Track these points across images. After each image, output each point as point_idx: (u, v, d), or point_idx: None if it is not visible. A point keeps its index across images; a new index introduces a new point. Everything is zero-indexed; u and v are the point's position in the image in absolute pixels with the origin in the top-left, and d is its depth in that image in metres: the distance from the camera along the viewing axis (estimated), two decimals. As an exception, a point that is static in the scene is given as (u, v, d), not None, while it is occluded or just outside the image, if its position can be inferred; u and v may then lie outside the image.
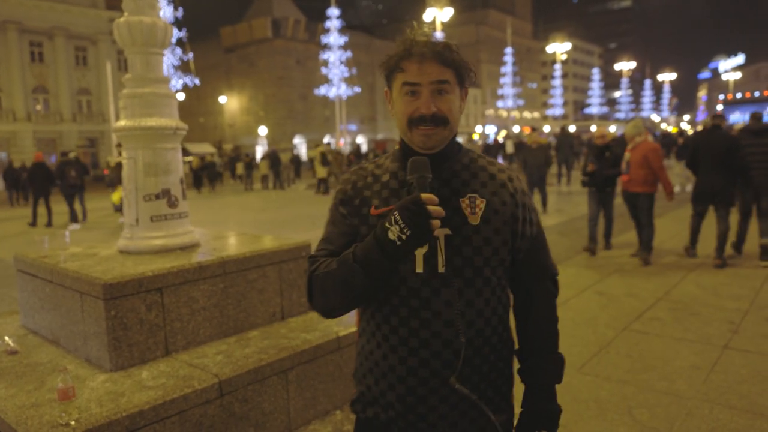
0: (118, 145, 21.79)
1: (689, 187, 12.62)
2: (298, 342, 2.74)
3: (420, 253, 1.16)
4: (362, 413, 1.29)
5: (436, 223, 1.05)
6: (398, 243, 1.06)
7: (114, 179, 14.17)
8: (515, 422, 1.33)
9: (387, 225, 1.07)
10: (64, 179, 11.87)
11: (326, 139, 41.16)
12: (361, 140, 55.36)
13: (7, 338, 2.84)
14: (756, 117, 6.32)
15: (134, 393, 2.19)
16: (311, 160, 20.18)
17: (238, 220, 12.58)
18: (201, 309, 2.72)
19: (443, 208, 1.09)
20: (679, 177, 15.43)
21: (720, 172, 5.89)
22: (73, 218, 12.00)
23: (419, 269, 1.16)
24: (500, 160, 23.96)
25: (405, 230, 1.04)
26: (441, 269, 1.15)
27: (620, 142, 12.00)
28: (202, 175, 21.92)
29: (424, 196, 1.06)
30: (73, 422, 1.95)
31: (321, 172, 17.27)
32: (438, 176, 1.19)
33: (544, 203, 10.74)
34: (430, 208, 1.05)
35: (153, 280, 2.52)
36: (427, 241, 1.07)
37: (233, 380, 2.38)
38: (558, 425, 1.29)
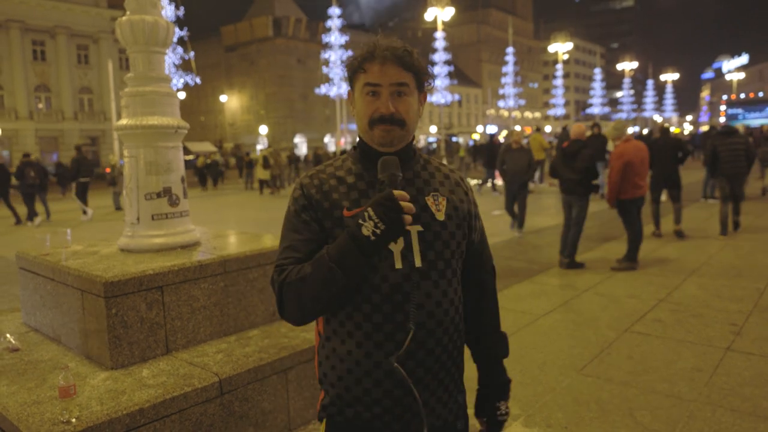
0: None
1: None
2: (298, 341, 2.74)
3: (397, 249, 1.21)
4: (339, 416, 1.28)
5: (408, 218, 1.12)
6: (373, 238, 1.12)
7: (115, 177, 14.33)
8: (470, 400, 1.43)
9: (360, 222, 1.13)
10: (23, 179, 12.30)
11: (326, 139, 41.16)
12: (362, 140, 55.24)
13: (8, 335, 2.85)
14: (724, 123, 9.24)
15: (135, 391, 2.19)
16: (255, 162, 21.24)
17: (239, 218, 12.59)
18: (201, 308, 2.72)
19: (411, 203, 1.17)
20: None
21: (669, 165, 7.74)
22: (30, 217, 12.33)
23: (398, 265, 1.21)
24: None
25: (379, 225, 1.11)
26: (418, 263, 1.22)
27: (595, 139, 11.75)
28: (207, 173, 22.84)
29: (396, 192, 1.12)
30: (74, 420, 1.95)
31: (262, 174, 18.64)
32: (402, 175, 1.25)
33: (521, 222, 8.57)
34: (403, 203, 1.11)
35: (154, 279, 2.52)
36: (400, 235, 1.14)
37: (233, 379, 2.38)
38: (509, 395, 1.45)
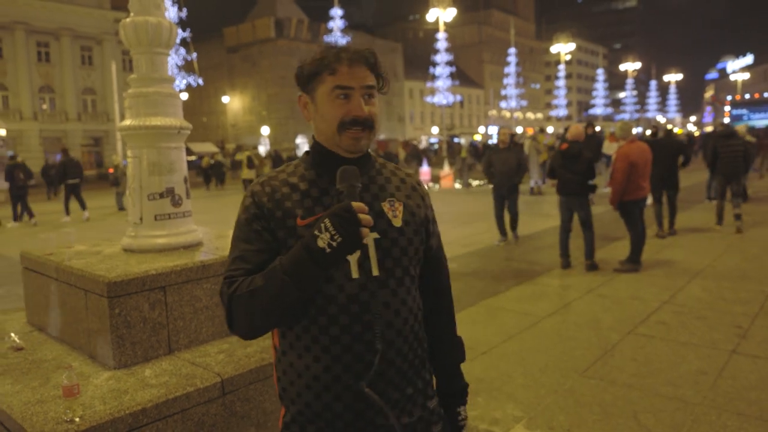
0: None
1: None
2: (301, 342, 2.74)
3: (354, 258, 1.16)
4: None
5: (366, 231, 1.07)
6: (328, 250, 1.06)
7: (118, 178, 14.45)
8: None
9: (316, 233, 1.08)
10: (13, 181, 12.45)
11: (298, 140, 40.89)
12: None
13: (12, 335, 2.86)
14: (724, 124, 9.74)
15: (137, 391, 2.19)
16: (239, 162, 21.65)
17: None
18: (204, 308, 2.72)
19: (369, 212, 1.13)
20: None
21: (669, 166, 7.85)
22: (17, 217, 12.59)
23: (355, 275, 1.16)
24: None
25: (336, 237, 1.06)
26: (375, 272, 1.16)
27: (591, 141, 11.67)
28: (211, 174, 23.42)
29: (355, 204, 1.08)
30: (77, 419, 1.96)
31: (247, 174, 19.15)
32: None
33: (514, 226, 8.04)
34: (361, 216, 1.07)
35: (156, 279, 2.53)
36: (357, 248, 1.09)
37: (235, 379, 2.38)
38: (467, 400, 1.43)
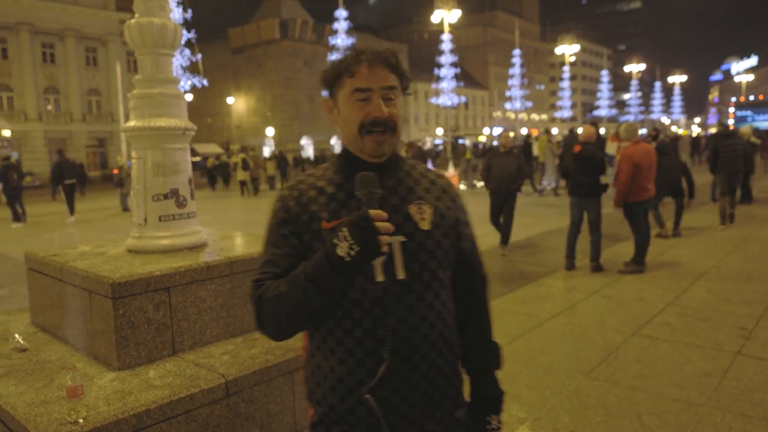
0: None
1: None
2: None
3: (378, 262, 1.14)
4: None
5: (385, 238, 1.07)
6: (347, 259, 1.06)
7: (123, 179, 14.53)
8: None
9: (335, 241, 1.08)
10: (7, 182, 12.63)
11: (332, 141, 40.90)
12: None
13: (17, 335, 2.87)
14: (723, 125, 9.84)
15: (141, 392, 2.19)
16: (234, 164, 21.91)
17: (246, 220, 12.62)
18: (208, 309, 2.72)
19: (393, 215, 1.15)
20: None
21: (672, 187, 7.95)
22: (15, 218, 12.65)
23: (379, 278, 1.14)
24: None
25: (354, 247, 1.06)
26: (400, 276, 1.15)
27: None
28: (216, 174, 23.66)
29: (373, 212, 1.07)
30: (81, 420, 1.96)
31: (242, 175, 19.46)
32: (384, 184, 1.21)
33: (506, 237, 7.39)
34: (379, 224, 1.06)
35: (160, 280, 2.53)
36: (376, 256, 1.08)
37: (239, 380, 2.38)
38: (502, 408, 1.39)
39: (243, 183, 19.69)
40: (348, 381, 1.19)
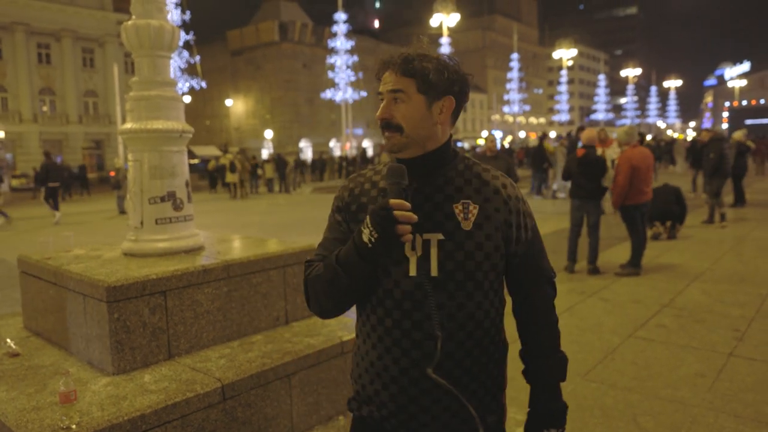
0: None
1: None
2: (301, 346, 2.73)
3: (413, 257, 1.21)
4: (357, 411, 1.33)
5: (405, 228, 1.12)
6: (369, 245, 1.15)
7: (120, 181, 14.52)
8: (504, 423, 1.41)
9: (362, 228, 1.17)
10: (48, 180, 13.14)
11: (332, 143, 40.76)
12: (367, 144, 55.37)
13: (8, 340, 2.84)
14: (712, 130, 10.64)
15: (136, 397, 2.18)
16: (222, 166, 22.09)
17: (243, 223, 12.60)
18: (204, 312, 2.71)
19: (434, 213, 1.21)
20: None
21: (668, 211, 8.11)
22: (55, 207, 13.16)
23: (412, 272, 1.21)
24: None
25: (373, 233, 1.13)
26: (434, 273, 1.20)
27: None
28: (217, 176, 23.78)
29: (393, 202, 1.12)
30: (74, 426, 1.94)
31: (230, 177, 19.77)
32: (431, 182, 1.26)
33: None
34: (398, 213, 1.11)
35: (157, 283, 2.52)
36: (395, 245, 1.14)
37: (236, 384, 2.37)
38: (565, 421, 1.33)
39: (230, 185, 20.04)
40: (377, 365, 1.26)
